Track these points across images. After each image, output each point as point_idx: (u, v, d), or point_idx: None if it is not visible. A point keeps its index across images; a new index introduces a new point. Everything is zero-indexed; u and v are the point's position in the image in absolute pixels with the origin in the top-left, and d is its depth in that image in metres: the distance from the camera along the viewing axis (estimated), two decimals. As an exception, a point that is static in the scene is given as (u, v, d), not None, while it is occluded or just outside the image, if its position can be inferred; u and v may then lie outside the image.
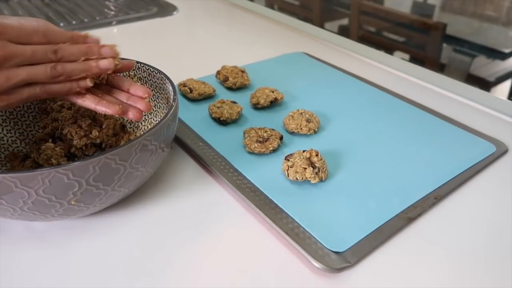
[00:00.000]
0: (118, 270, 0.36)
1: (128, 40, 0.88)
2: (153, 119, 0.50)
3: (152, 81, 0.49)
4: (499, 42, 1.24)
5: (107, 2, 1.10)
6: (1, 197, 0.32)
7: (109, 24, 0.94)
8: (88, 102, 0.39)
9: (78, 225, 0.40)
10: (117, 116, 0.41)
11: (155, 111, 0.50)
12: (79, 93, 0.39)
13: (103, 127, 0.45)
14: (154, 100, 0.49)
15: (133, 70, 0.50)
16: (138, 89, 0.41)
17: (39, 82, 0.36)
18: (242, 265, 0.36)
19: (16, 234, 0.39)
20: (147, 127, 0.50)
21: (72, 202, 0.34)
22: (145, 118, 0.51)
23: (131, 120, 0.52)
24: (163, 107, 0.48)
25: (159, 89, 0.48)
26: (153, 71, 0.48)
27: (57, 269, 0.36)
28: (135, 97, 0.41)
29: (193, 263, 0.36)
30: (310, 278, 0.35)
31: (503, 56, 1.22)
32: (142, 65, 0.49)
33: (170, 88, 0.44)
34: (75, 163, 0.32)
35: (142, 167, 0.37)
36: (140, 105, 0.41)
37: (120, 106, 0.39)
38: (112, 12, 1.02)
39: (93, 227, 0.40)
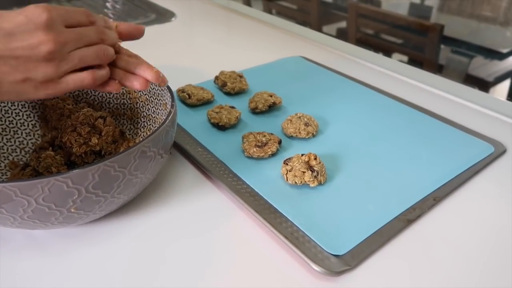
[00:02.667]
0: (118, 277, 0.36)
1: (126, 47, 0.88)
2: (152, 126, 0.50)
3: (150, 87, 0.49)
4: (497, 43, 1.24)
5: (105, 10, 1.11)
6: (1, 206, 0.32)
7: (107, 31, 0.95)
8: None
9: (78, 232, 0.40)
10: (116, 92, 0.40)
11: (154, 117, 0.50)
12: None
13: (102, 134, 0.46)
14: (153, 107, 0.50)
15: (132, 77, 0.50)
16: (145, 72, 0.39)
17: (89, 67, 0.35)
18: (242, 269, 0.36)
19: (16, 243, 0.39)
20: (146, 133, 0.51)
21: (72, 210, 0.34)
22: (144, 124, 0.51)
23: (129, 126, 0.52)
24: (162, 113, 0.48)
25: (157, 96, 0.48)
26: (151, 78, 0.48)
27: (57, 277, 0.36)
28: (142, 67, 0.39)
29: (193, 269, 0.36)
30: (310, 281, 0.35)
31: (501, 56, 1.22)
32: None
33: (168, 94, 0.44)
34: (74, 171, 0.32)
35: (141, 173, 0.37)
36: (149, 74, 0.39)
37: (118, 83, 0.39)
38: (111, 20, 1.03)
39: (93, 235, 0.40)
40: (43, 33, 0.31)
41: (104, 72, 0.37)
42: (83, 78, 0.35)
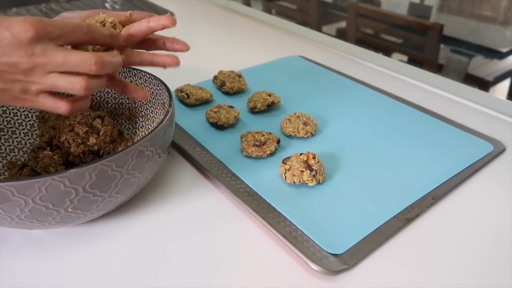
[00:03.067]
0: (116, 277, 0.36)
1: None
2: (150, 125, 0.50)
3: (149, 87, 0.49)
4: (497, 42, 1.24)
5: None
6: (-2, 205, 0.32)
7: (106, 31, 0.94)
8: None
9: (76, 232, 0.40)
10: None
11: (152, 117, 0.50)
12: None
13: (100, 134, 0.46)
14: (151, 106, 0.50)
15: (130, 76, 0.50)
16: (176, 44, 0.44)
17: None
18: (241, 269, 0.36)
19: (14, 243, 0.39)
20: (144, 133, 0.50)
21: (69, 210, 0.34)
22: (142, 124, 0.51)
23: (127, 125, 0.52)
24: (160, 113, 0.48)
25: (156, 95, 0.48)
26: (149, 77, 0.48)
27: (55, 277, 0.36)
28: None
29: (191, 269, 0.36)
30: (308, 280, 0.35)
31: (500, 55, 1.22)
32: (138, 71, 0.49)
33: (166, 94, 0.44)
34: (71, 170, 0.32)
35: (139, 173, 0.37)
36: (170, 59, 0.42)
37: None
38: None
39: (91, 235, 0.40)
40: (25, 51, 0.31)
41: (82, 104, 0.37)
42: (59, 106, 0.35)
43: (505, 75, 1.25)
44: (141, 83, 0.50)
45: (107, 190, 0.35)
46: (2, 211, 0.32)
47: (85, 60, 0.33)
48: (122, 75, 0.51)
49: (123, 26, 0.41)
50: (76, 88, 0.33)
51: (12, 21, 0.31)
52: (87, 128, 0.45)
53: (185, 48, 0.43)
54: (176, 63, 0.43)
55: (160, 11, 1.09)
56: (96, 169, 0.33)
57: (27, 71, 0.31)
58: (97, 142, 0.45)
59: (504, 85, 1.26)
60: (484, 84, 1.20)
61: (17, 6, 1.11)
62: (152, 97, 0.49)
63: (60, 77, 0.33)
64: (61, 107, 0.35)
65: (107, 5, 1.14)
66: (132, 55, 0.41)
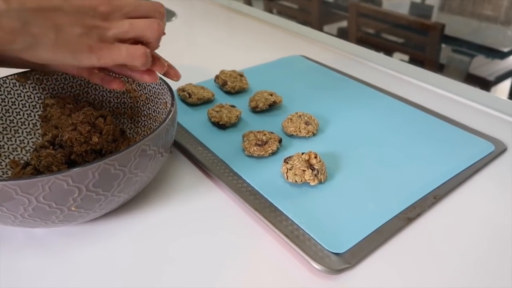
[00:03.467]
0: (119, 275, 0.36)
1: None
2: (153, 125, 0.50)
3: (151, 86, 0.49)
4: (498, 42, 1.24)
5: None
6: (1, 204, 0.32)
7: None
8: (95, 79, 0.44)
9: (79, 231, 0.40)
10: (121, 89, 0.44)
11: (154, 116, 0.50)
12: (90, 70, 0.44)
13: (103, 133, 0.46)
14: (153, 106, 0.50)
15: (132, 76, 0.51)
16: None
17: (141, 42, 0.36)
18: (242, 268, 0.36)
19: (17, 241, 0.39)
20: (146, 132, 0.51)
21: (72, 208, 0.34)
22: (144, 123, 0.51)
23: (130, 125, 0.52)
24: (162, 112, 0.48)
25: (158, 95, 0.48)
26: (151, 77, 0.48)
27: (58, 275, 0.36)
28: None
29: (193, 267, 0.36)
30: (310, 279, 0.35)
31: (502, 55, 1.22)
32: (140, 71, 0.50)
33: (169, 93, 0.44)
34: (74, 169, 0.32)
35: (141, 172, 0.37)
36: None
37: (123, 81, 0.44)
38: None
39: (94, 233, 0.40)
40: None
41: (151, 55, 0.37)
42: (136, 49, 0.35)
43: (506, 74, 1.25)
44: (144, 83, 0.50)
45: (110, 189, 0.35)
46: (6, 209, 0.32)
47: (155, 5, 0.36)
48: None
49: None
50: (154, 26, 0.35)
51: None
52: (89, 127, 0.45)
53: (176, 78, 0.42)
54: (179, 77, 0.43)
55: (162, 10, 1.09)
56: (99, 168, 0.33)
57: (105, 14, 0.33)
58: (99, 141, 0.45)
59: (505, 85, 1.26)
60: (485, 84, 1.20)
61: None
62: (155, 97, 0.49)
63: (136, 20, 0.34)
64: (138, 49, 0.35)
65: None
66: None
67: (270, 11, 1.62)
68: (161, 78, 0.47)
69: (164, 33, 0.37)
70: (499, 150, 0.51)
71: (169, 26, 0.99)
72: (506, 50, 1.23)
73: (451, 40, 1.25)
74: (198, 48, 0.88)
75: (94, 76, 0.45)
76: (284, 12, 1.72)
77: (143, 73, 0.40)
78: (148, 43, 0.37)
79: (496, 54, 1.24)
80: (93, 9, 0.32)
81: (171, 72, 0.42)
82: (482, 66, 1.26)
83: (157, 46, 0.38)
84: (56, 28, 0.31)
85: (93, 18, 0.32)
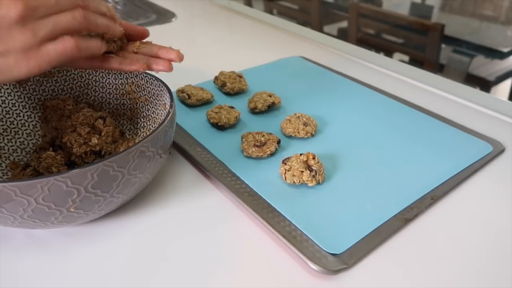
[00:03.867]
0: (118, 276, 0.36)
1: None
2: (151, 126, 0.50)
3: (150, 88, 0.49)
4: (498, 42, 1.24)
5: (106, 11, 1.11)
6: (1, 205, 0.32)
7: (108, 32, 0.95)
8: (113, 63, 0.40)
9: (78, 232, 0.40)
10: (142, 70, 0.42)
11: (153, 117, 0.50)
12: (103, 57, 0.40)
13: (102, 134, 0.46)
14: (153, 107, 0.50)
15: (131, 77, 0.51)
16: (169, 52, 0.42)
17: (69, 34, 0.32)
18: (240, 268, 0.37)
19: (16, 242, 0.39)
20: (146, 133, 0.51)
21: (72, 209, 0.35)
22: (143, 125, 0.52)
23: (129, 126, 0.53)
24: (161, 113, 0.48)
25: (157, 96, 0.49)
26: (150, 78, 0.49)
27: (57, 276, 0.36)
28: (164, 50, 0.42)
29: (191, 268, 0.37)
30: (307, 280, 0.36)
31: (502, 55, 1.22)
32: (139, 72, 0.50)
33: (167, 94, 0.45)
34: (73, 170, 0.32)
35: (140, 173, 0.38)
36: (172, 54, 0.41)
37: (145, 62, 0.41)
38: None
39: (93, 234, 0.40)
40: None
41: (92, 43, 0.34)
42: (64, 44, 0.31)
43: (506, 75, 1.25)
44: (142, 84, 0.50)
45: (109, 190, 0.36)
46: (6, 210, 0.33)
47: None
48: (123, 76, 0.51)
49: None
50: (76, 16, 0.32)
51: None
52: (89, 129, 0.45)
53: (179, 58, 0.42)
54: (180, 57, 0.43)
55: (162, 11, 1.09)
56: (98, 169, 0.33)
57: (22, 17, 0.29)
58: (99, 143, 0.45)
59: (506, 85, 1.26)
60: (485, 84, 1.20)
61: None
62: (154, 98, 0.49)
63: (60, 14, 0.31)
64: (67, 42, 0.32)
65: (109, 5, 1.14)
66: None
67: (270, 12, 1.62)
68: (160, 80, 0.48)
69: (104, 25, 0.35)
70: (497, 151, 0.51)
71: (168, 27, 0.99)
72: (506, 50, 1.23)
73: (451, 40, 1.25)
74: (197, 49, 0.88)
75: (110, 62, 0.41)
76: (285, 13, 1.72)
77: (128, 64, 0.40)
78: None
79: (496, 54, 1.24)
80: (4, 16, 0.29)
81: (168, 55, 0.42)
82: (482, 66, 1.26)
83: (104, 28, 0.35)
84: None
85: (9, 29, 0.29)
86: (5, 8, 0.28)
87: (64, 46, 0.32)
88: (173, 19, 1.03)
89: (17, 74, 0.30)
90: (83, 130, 0.45)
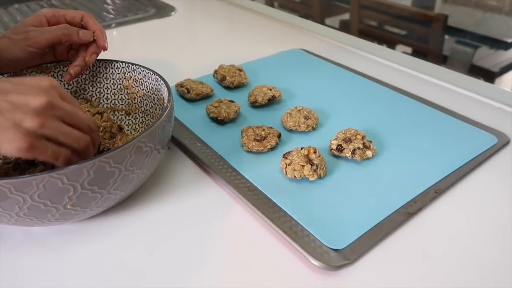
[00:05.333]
0: (118, 273, 0.36)
1: (127, 42, 0.88)
2: (150, 121, 0.50)
3: (148, 82, 0.49)
4: (502, 32, 1.22)
5: (105, 5, 1.10)
6: (-4, 203, 0.32)
7: (108, 27, 0.94)
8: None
9: (77, 229, 0.40)
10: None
11: (152, 112, 0.49)
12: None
13: (100, 130, 0.45)
14: (151, 102, 0.49)
15: (129, 72, 0.50)
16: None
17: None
18: (241, 264, 0.36)
19: (14, 240, 0.39)
20: (144, 128, 0.50)
21: (68, 207, 0.34)
22: (142, 120, 0.51)
23: (127, 121, 0.52)
24: (159, 108, 0.48)
25: (155, 91, 0.48)
26: (148, 73, 0.48)
27: (56, 273, 0.36)
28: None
29: (191, 264, 0.36)
30: (309, 276, 0.35)
31: (506, 46, 1.20)
32: (137, 67, 0.49)
33: (165, 89, 0.44)
34: (69, 167, 0.32)
35: (137, 169, 0.37)
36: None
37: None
38: (111, 15, 1.02)
39: (92, 231, 0.40)
40: (42, 92, 0.32)
41: (74, 160, 0.36)
42: (60, 153, 0.34)
43: (510, 65, 1.23)
44: (140, 78, 0.49)
45: (106, 186, 0.35)
46: (1, 208, 0.32)
47: (87, 119, 0.37)
48: (121, 70, 0.51)
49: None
50: (81, 141, 0.35)
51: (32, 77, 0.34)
52: None
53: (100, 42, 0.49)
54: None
55: (161, 5, 1.08)
56: (94, 165, 0.33)
57: (41, 108, 0.32)
58: None
59: (510, 76, 1.24)
60: (489, 75, 1.18)
61: (19, 2, 1.11)
62: (152, 93, 0.49)
63: (70, 129, 0.34)
64: (61, 155, 0.34)
65: (108, 0, 1.13)
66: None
67: (272, 5, 1.61)
68: (158, 74, 0.47)
69: (93, 152, 0.37)
70: (502, 143, 0.50)
71: (168, 21, 0.98)
72: (510, 40, 1.21)
73: (455, 31, 1.23)
74: (197, 43, 0.87)
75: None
76: (286, 6, 1.70)
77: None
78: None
79: (500, 45, 1.22)
80: (29, 101, 0.32)
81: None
82: (486, 57, 1.25)
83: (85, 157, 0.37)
84: None
85: (25, 113, 0.31)
86: (33, 96, 0.32)
87: (58, 155, 0.34)
88: (173, 13, 1.02)
89: (5, 149, 0.31)
90: None
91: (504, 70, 1.22)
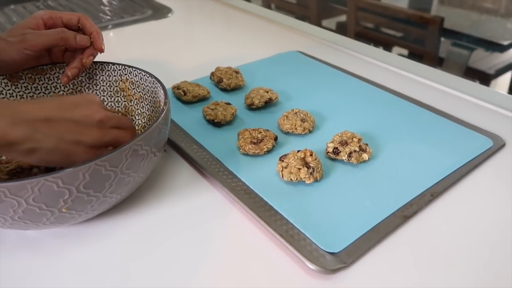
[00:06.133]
0: (113, 277, 0.35)
1: (124, 43, 0.88)
2: (146, 123, 0.50)
3: (144, 85, 0.48)
4: (498, 35, 1.23)
5: (102, 6, 1.10)
6: (-9, 207, 0.31)
7: (104, 28, 0.94)
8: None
9: (72, 232, 0.40)
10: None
11: (148, 115, 0.49)
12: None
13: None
14: (147, 104, 0.49)
15: (126, 74, 0.50)
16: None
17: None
18: (237, 267, 0.36)
19: (9, 243, 0.39)
20: (141, 131, 0.50)
21: (63, 210, 0.34)
22: (138, 122, 0.51)
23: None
24: (156, 110, 0.47)
25: (151, 93, 0.48)
26: (144, 75, 0.48)
27: (51, 277, 0.35)
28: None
29: (187, 267, 0.36)
30: (305, 280, 0.35)
31: (501, 48, 1.21)
32: (134, 69, 0.49)
33: (162, 91, 0.44)
34: (64, 170, 0.31)
35: (133, 172, 0.37)
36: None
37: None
38: (108, 16, 1.02)
39: (87, 234, 0.40)
40: (98, 107, 0.37)
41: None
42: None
43: (506, 68, 1.24)
44: (137, 81, 0.49)
45: (102, 190, 0.35)
46: (-4, 212, 0.32)
47: (128, 121, 0.41)
48: (117, 73, 0.50)
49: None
50: (126, 138, 0.38)
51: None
52: None
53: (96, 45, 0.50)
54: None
55: (158, 6, 1.08)
56: (89, 169, 0.33)
57: (101, 121, 0.36)
58: None
59: (505, 78, 1.25)
60: (485, 77, 1.19)
61: (15, 3, 1.11)
62: (148, 95, 0.49)
63: (121, 132, 0.38)
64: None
65: (104, 1, 1.13)
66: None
67: (269, 7, 1.61)
68: (154, 77, 0.47)
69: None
70: (498, 146, 0.50)
71: (164, 23, 0.98)
72: (506, 43, 1.22)
73: (451, 33, 1.24)
74: (194, 45, 0.87)
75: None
76: (283, 7, 1.70)
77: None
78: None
79: (496, 47, 1.23)
80: (89, 116, 0.35)
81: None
82: (482, 59, 1.25)
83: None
84: (57, 137, 0.33)
85: (89, 127, 0.35)
86: (92, 111, 0.36)
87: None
88: (169, 15, 1.02)
89: (75, 162, 0.33)
90: None
91: (499, 72, 1.22)
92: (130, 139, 0.37)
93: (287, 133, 0.52)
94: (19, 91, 0.49)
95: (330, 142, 0.48)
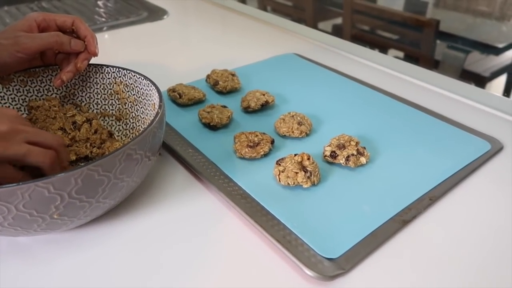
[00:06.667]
0: (106, 284, 0.34)
1: (119, 45, 0.87)
2: (141, 127, 0.49)
3: (139, 87, 0.48)
4: (493, 37, 1.23)
5: (97, 8, 1.09)
6: (-20, 213, 0.30)
7: (99, 30, 0.93)
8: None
9: (64, 239, 0.39)
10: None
11: (143, 118, 0.49)
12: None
13: (90, 140, 0.45)
14: (142, 107, 0.48)
15: (120, 76, 0.49)
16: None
17: None
18: (233, 273, 0.35)
19: (0, 250, 0.38)
20: (135, 134, 0.49)
21: (55, 216, 0.33)
22: (133, 125, 0.50)
23: (118, 127, 0.51)
24: (150, 114, 0.47)
25: (146, 96, 0.47)
26: (139, 78, 0.47)
27: (43, 284, 0.34)
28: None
29: (183, 274, 0.35)
30: (303, 286, 0.34)
31: (497, 51, 1.21)
32: (128, 71, 0.48)
33: (157, 94, 0.43)
34: (55, 176, 0.31)
35: (127, 177, 0.36)
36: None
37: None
38: (103, 18, 1.01)
39: (80, 241, 0.39)
40: (6, 120, 0.34)
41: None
42: (15, 177, 0.35)
43: (501, 70, 1.24)
44: (131, 83, 0.48)
45: (94, 195, 0.34)
46: (-15, 219, 0.31)
47: (56, 137, 0.38)
48: (111, 75, 0.50)
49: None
50: (46, 157, 0.36)
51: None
52: (69, 142, 0.45)
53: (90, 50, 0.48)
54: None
55: (153, 8, 1.07)
56: (81, 174, 0.32)
57: (3, 135, 0.33)
58: (86, 150, 0.44)
59: (500, 81, 1.25)
60: (480, 80, 1.19)
61: (8, 4, 1.09)
62: (143, 98, 0.48)
63: (33, 148, 0.35)
64: (16, 177, 0.35)
65: (99, 3, 1.12)
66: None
67: (264, 9, 1.61)
68: (149, 79, 0.46)
69: (65, 167, 0.39)
70: (496, 149, 0.50)
71: (160, 25, 0.97)
72: (501, 46, 1.22)
73: (446, 36, 1.24)
74: (189, 47, 0.86)
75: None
76: (279, 10, 1.70)
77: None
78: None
79: (491, 50, 1.23)
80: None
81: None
82: (477, 62, 1.25)
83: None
84: None
85: None
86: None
87: (15, 179, 0.35)
88: (165, 17, 1.02)
89: None
90: (66, 139, 0.44)
91: (495, 75, 1.23)
92: (49, 158, 0.35)
93: (284, 136, 0.52)
94: (10, 94, 0.48)
95: (327, 146, 0.47)
